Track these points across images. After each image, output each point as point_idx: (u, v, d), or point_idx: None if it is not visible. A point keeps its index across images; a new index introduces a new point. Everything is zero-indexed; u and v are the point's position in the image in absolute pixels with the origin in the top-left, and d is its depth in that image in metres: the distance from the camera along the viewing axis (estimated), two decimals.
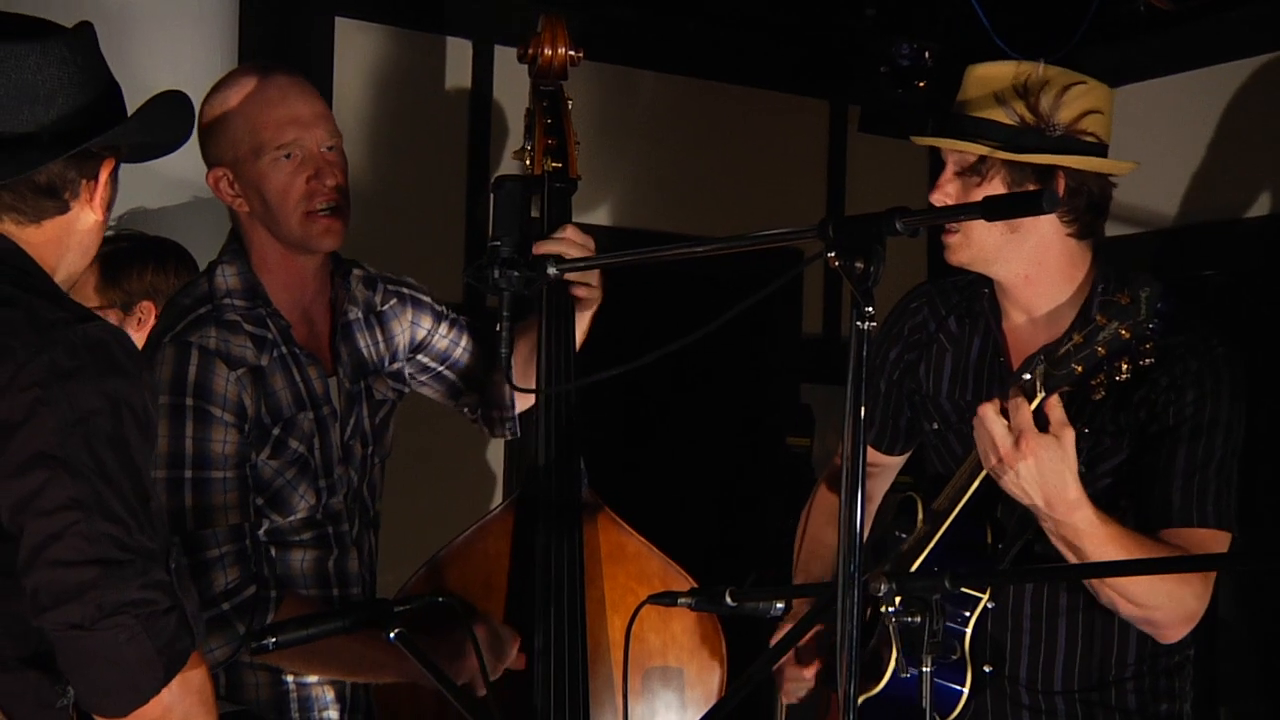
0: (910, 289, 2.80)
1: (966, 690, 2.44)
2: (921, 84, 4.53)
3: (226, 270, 2.65)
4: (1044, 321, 2.54)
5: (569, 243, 2.68)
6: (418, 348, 2.89)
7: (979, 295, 2.64)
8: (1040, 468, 2.25)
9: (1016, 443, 2.24)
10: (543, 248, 2.61)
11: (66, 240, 2.08)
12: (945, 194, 2.49)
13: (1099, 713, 2.52)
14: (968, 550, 2.46)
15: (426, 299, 2.92)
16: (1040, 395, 2.24)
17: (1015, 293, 2.55)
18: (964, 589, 2.41)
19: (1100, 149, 2.48)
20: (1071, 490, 2.28)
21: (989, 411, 2.27)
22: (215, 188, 2.65)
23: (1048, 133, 2.44)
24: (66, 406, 1.88)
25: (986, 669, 2.48)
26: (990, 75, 2.48)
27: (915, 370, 2.71)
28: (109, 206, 2.12)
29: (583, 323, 2.81)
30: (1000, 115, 2.45)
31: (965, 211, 1.92)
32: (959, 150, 2.48)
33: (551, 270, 2.37)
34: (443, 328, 2.92)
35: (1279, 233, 4.17)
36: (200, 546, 2.50)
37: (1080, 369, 2.21)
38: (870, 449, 2.81)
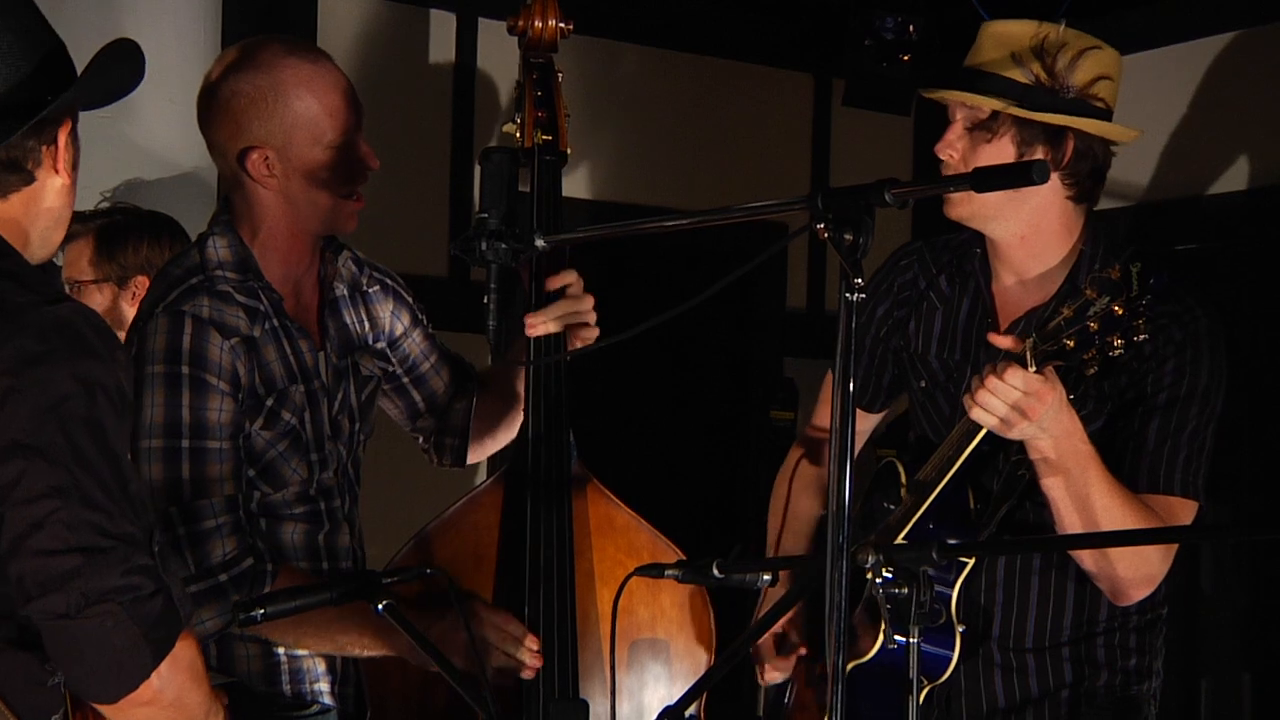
0: (900, 246, 2.80)
1: (955, 655, 2.46)
2: (906, 57, 4.53)
3: (218, 242, 2.64)
4: (1034, 284, 2.55)
5: (571, 300, 2.66)
6: (391, 343, 2.87)
7: (971, 255, 2.64)
8: (1056, 420, 2.28)
9: (1028, 399, 2.25)
10: (540, 325, 2.63)
11: (36, 209, 2.04)
12: (952, 149, 2.50)
13: (1067, 668, 2.56)
14: (950, 515, 2.47)
15: (409, 300, 2.91)
16: (1032, 369, 2.24)
17: (1009, 253, 2.56)
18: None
19: (1108, 115, 2.50)
20: (1083, 443, 2.33)
21: (994, 380, 2.26)
22: (250, 168, 2.61)
23: (1061, 94, 2.44)
24: (39, 392, 1.85)
25: (960, 629, 2.50)
26: (1007, 33, 2.49)
27: (904, 327, 2.71)
28: (75, 165, 2.07)
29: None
30: (1015, 73, 2.45)
31: (955, 183, 1.92)
32: (972, 105, 2.48)
33: (539, 242, 2.36)
34: (417, 333, 2.89)
35: (1253, 208, 4.18)
36: (197, 517, 2.49)
37: (1072, 344, 2.22)
38: None
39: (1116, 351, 2.22)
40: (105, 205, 3.45)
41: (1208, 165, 4.28)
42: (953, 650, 2.46)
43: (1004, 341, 2.32)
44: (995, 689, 2.57)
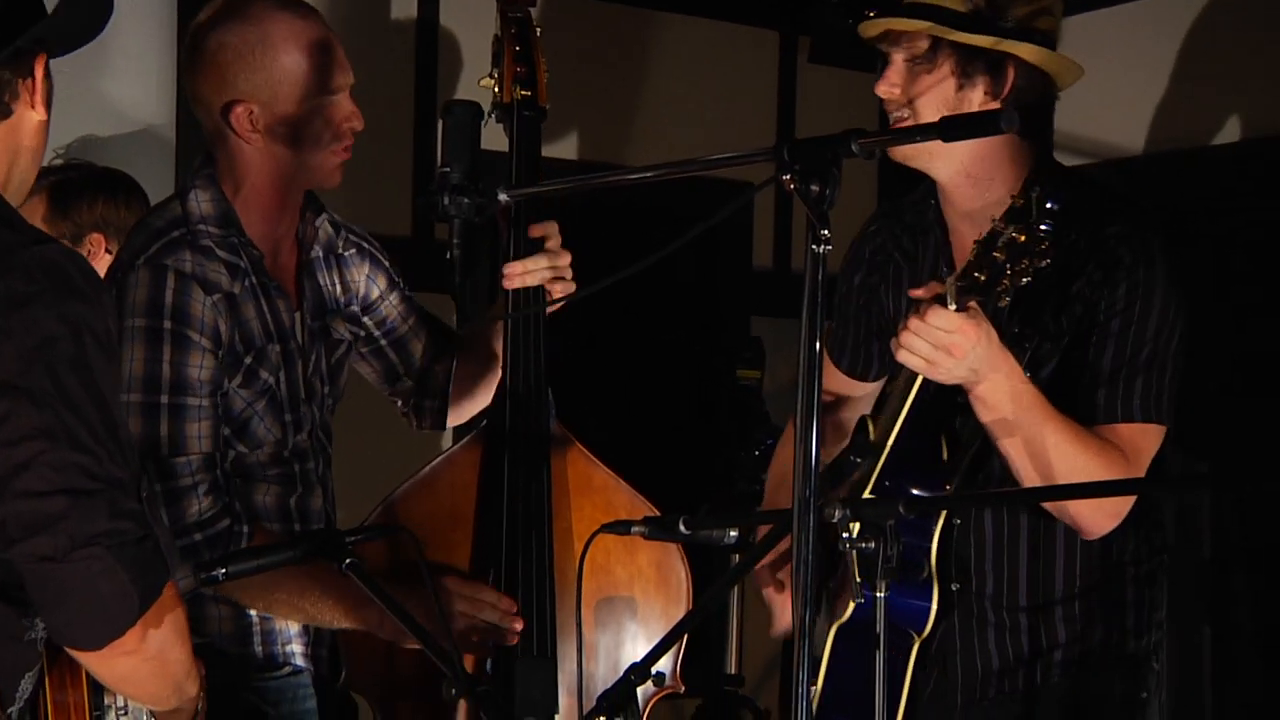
0: (871, 214, 2.79)
1: (934, 606, 2.44)
2: (872, 14, 4.50)
3: (200, 195, 2.61)
4: (983, 224, 2.52)
5: (551, 255, 2.64)
6: (367, 307, 2.85)
7: (926, 209, 2.62)
8: (986, 359, 2.24)
9: (950, 336, 2.21)
10: (518, 276, 2.60)
11: (14, 144, 2.00)
12: (891, 84, 2.47)
13: (1061, 627, 2.52)
14: (920, 464, 2.46)
15: (385, 262, 2.88)
16: (952, 307, 2.20)
17: (956, 194, 2.53)
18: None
19: (1050, 46, 2.46)
20: (1021, 382, 2.30)
21: (915, 321, 2.22)
22: (234, 121, 2.58)
23: (1001, 22, 2.41)
24: (26, 334, 1.82)
25: (954, 587, 2.48)
26: None
27: (878, 293, 2.71)
28: (49, 103, 2.04)
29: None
30: (953, 3, 2.42)
31: (921, 133, 1.91)
32: (908, 31, 2.44)
33: (502, 196, 2.34)
34: (394, 296, 2.87)
35: (1248, 158, 4.17)
36: (173, 474, 2.47)
37: (983, 277, 2.16)
38: (845, 376, 2.81)
39: (1025, 279, 2.15)
40: (59, 162, 3.41)
41: (1200, 118, 4.27)
42: (930, 601, 2.44)
43: (919, 292, 2.28)
44: (989, 649, 2.54)
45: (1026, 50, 2.41)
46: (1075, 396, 2.41)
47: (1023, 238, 2.14)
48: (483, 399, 2.86)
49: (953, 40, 2.41)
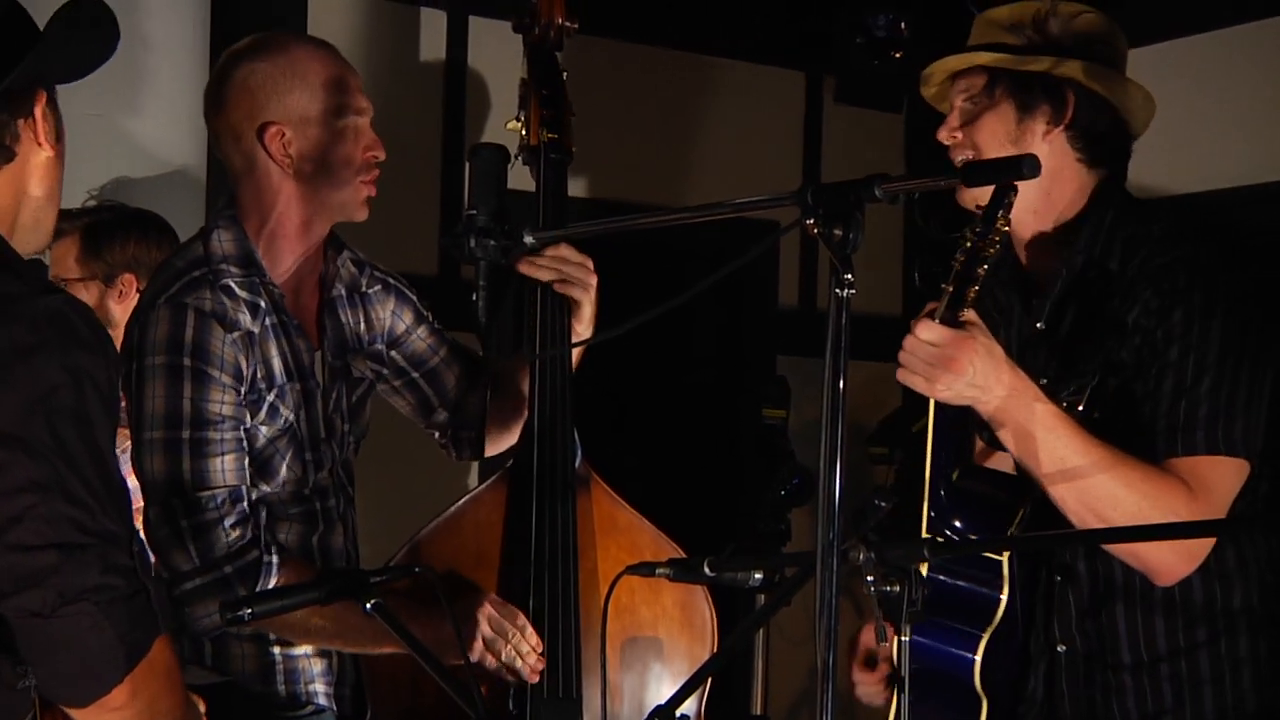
0: None
1: (979, 659, 2.32)
2: (898, 55, 4.52)
3: (222, 235, 2.63)
4: (1051, 254, 2.43)
5: (563, 260, 2.64)
6: (394, 341, 2.86)
7: (1004, 261, 2.50)
8: (991, 375, 2.16)
9: (943, 350, 2.15)
10: (525, 265, 2.62)
11: (22, 184, 1.98)
12: (951, 129, 2.44)
13: (1167, 688, 2.33)
14: (980, 505, 2.39)
15: (411, 296, 2.90)
16: (937, 321, 2.16)
17: (1021, 229, 2.43)
18: (986, 554, 2.32)
19: (1111, 65, 2.40)
20: (1039, 402, 2.19)
21: (909, 339, 2.16)
22: (268, 144, 2.61)
23: (1058, 46, 2.38)
24: (28, 384, 1.82)
25: (1060, 649, 2.37)
26: (997, 15, 2.44)
27: None
28: (59, 135, 2.01)
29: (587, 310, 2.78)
30: (1008, 38, 2.39)
31: (946, 176, 1.91)
32: (963, 67, 2.41)
33: (528, 239, 2.35)
34: (422, 330, 2.88)
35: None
36: (199, 508, 2.47)
37: (952, 288, 2.14)
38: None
39: (979, 280, 2.13)
40: (92, 203, 3.44)
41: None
42: (975, 654, 2.32)
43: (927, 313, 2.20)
44: (1096, 714, 2.36)
45: (1080, 69, 2.36)
46: (1140, 430, 2.26)
47: (971, 240, 2.13)
48: (510, 438, 2.87)
49: (1010, 71, 2.38)
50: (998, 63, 2.39)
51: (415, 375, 2.89)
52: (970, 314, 2.16)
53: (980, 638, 2.34)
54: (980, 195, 2.28)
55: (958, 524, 2.36)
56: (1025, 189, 2.28)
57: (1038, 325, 2.44)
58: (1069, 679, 2.39)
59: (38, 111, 1.97)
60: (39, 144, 1.98)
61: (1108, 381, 2.33)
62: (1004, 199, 2.13)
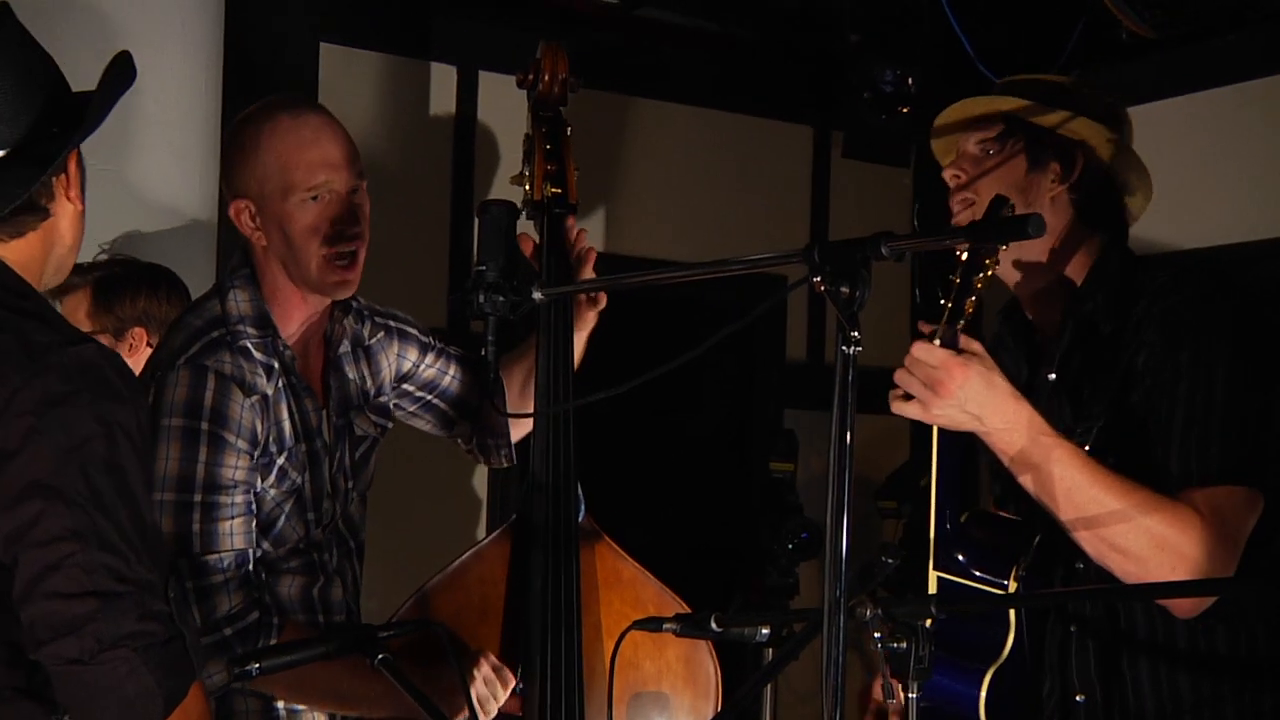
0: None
1: (983, 694, 2.33)
2: (905, 109, 4.54)
3: (239, 295, 2.63)
4: (1052, 302, 2.47)
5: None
6: (403, 378, 2.89)
7: (1009, 317, 2.59)
8: (986, 401, 2.17)
9: (935, 372, 2.17)
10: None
11: (53, 238, 2.05)
12: (958, 169, 2.48)
13: None
14: (985, 545, 2.40)
15: (413, 331, 2.91)
16: (936, 342, 2.19)
17: (1025, 282, 2.47)
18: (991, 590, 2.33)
19: (1116, 126, 2.46)
20: (1044, 434, 2.20)
21: (906, 360, 2.18)
22: (235, 218, 2.63)
23: (1075, 99, 2.43)
24: (61, 434, 1.85)
25: (1079, 699, 2.36)
26: (1019, 78, 2.51)
27: None
28: (83, 190, 2.08)
29: (580, 343, 2.82)
30: (1029, 93, 2.44)
31: (950, 236, 1.93)
32: (984, 111, 2.45)
33: (537, 295, 2.36)
34: (429, 358, 2.91)
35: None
36: (205, 571, 2.49)
37: (950, 303, 2.18)
38: None
39: (977, 291, 2.17)
40: (104, 257, 3.47)
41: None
42: (979, 689, 2.33)
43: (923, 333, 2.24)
44: None
45: (1092, 129, 2.41)
46: (1152, 464, 2.27)
47: (964, 254, 2.17)
48: (526, 404, 2.91)
49: (1026, 124, 2.42)
50: (1019, 109, 2.43)
51: (430, 398, 2.93)
52: (975, 344, 2.19)
53: (984, 672, 2.35)
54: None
55: (961, 558, 2.38)
56: (1029, 243, 2.35)
57: (1049, 376, 2.46)
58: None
59: (72, 168, 2.05)
60: (68, 199, 2.05)
61: (1116, 423, 2.34)
62: (999, 209, 2.18)
